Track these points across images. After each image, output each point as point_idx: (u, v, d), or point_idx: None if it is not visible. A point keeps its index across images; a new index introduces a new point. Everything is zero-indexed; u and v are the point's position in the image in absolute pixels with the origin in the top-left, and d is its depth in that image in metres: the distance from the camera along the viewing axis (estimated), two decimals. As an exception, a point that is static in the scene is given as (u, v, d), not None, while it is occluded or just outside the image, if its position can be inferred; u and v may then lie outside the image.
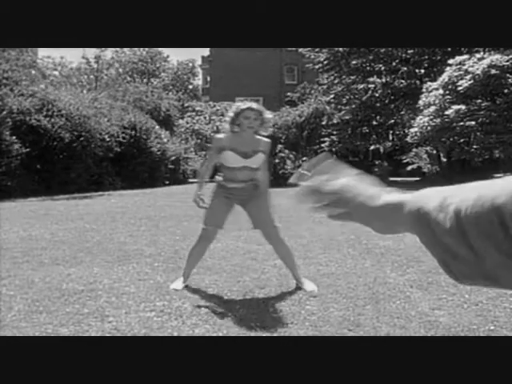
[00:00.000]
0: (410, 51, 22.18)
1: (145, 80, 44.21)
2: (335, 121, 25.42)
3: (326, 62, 24.75)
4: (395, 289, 3.86)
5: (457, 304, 3.39)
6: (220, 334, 2.91)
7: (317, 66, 25.68)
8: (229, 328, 3.01)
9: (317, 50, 24.50)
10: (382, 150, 26.54)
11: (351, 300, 3.58)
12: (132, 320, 3.14)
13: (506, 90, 16.75)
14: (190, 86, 51.21)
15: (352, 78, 24.20)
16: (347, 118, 24.82)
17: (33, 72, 19.70)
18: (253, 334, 2.92)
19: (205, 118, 27.56)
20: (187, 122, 27.90)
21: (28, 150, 15.03)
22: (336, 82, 25.14)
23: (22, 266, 4.72)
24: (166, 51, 52.15)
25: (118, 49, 48.68)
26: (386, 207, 0.60)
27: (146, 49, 48.74)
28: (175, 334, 2.90)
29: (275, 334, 2.90)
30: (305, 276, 4.30)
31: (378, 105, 23.71)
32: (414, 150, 21.93)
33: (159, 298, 3.65)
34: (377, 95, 23.47)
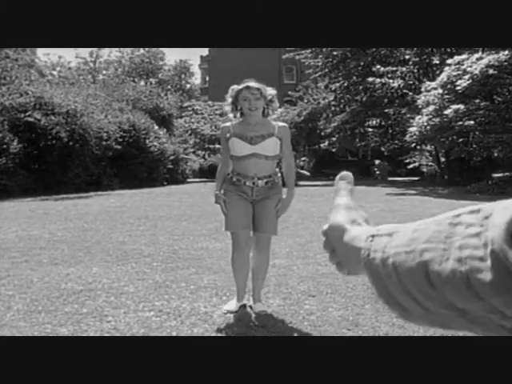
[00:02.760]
0: (408, 51, 22.19)
1: (143, 80, 44.25)
2: (335, 124, 25.45)
3: (323, 66, 24.81)
4: (394, 288, 3.86)
5: (455, 304, 3.40)
6: (219, 334, 2.92)
7: (313, 70, 25.75)
8: (228, 328, 3.01)
9: (315, 52, 24.50)
10: (383, 149, 26.55)
11: (350, 299, 3.58)
12: (131, 320, 3.14)
13: (504, 90, 16.78)
14: (188, 85, 51.18)
15: (350, 80, 24.22)
16: (346, 118, 24.87)
17: (31, 71, 19.69)
18: (252, 333, 2.92)
19: (204, 117, 27.58)
20: (185, 122, 27.93)
21: (26, 148, 15.02)
22: (334, 86, 25.12)
23: (20, 266, 4.72)
24: (162, 50, 51.97)
25: (115, 48, 48.75)
26: (349, 249, 0.54)
27: (145, 48, 48.74)
28: (174, 334, 2.90)
29: (274, 334, 2.90)
30: (304, 276, 4.31)
31: (376, 105, 23.74)
32: (418, 147, 21.93)
33: (158, 298, 3.65)
34: (375, 95, 23.49)
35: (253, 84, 3.23)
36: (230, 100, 3.33)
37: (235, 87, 3.29)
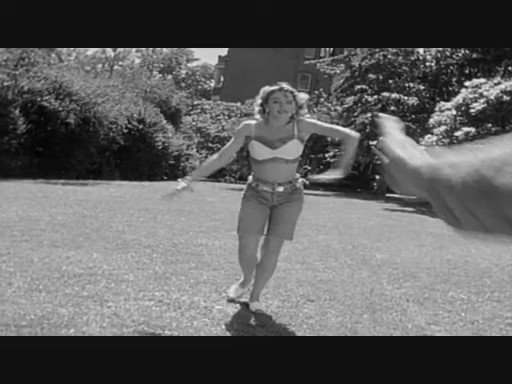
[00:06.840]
0: (425, 70, 22.20)
1: (160, 75, 44.32)
2: None
3: (345, 79, 24.93)
4: (392, 301, 3.88)
5: (453, 321, 3.41)
6: (218, 329, 2.92)
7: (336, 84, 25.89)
8: (227, 324, 3.02)
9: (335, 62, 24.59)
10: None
11: (348, 307, 3.59)
12: (131, 307, 3.15)
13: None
14: (206, 86, 51.26)
15: (364, 87, 24.15)
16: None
17: (52, 55, 19.69)
18: (251, 332, 2.93)
19: (211, 117, 27.65)
20: (193, 120, 27.99)
21: (33, 130, 15.03)
22: (350, 98, 25.10)
23: (20, 245, 4.71)
24: (195, 55, 52.32)
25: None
26: (412, 176, 0.65)
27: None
28: (174, 325, 2.90)
29: (273, 334, 2.91)
30: (302, 280, 4.32)
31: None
32: None
33: (158, 289, 3.65)
34: (388, 110, 23.47)
35: (287, 86, 3.12)
36: (259, 101, 3.19)
37: (267, 88, 3.15)
